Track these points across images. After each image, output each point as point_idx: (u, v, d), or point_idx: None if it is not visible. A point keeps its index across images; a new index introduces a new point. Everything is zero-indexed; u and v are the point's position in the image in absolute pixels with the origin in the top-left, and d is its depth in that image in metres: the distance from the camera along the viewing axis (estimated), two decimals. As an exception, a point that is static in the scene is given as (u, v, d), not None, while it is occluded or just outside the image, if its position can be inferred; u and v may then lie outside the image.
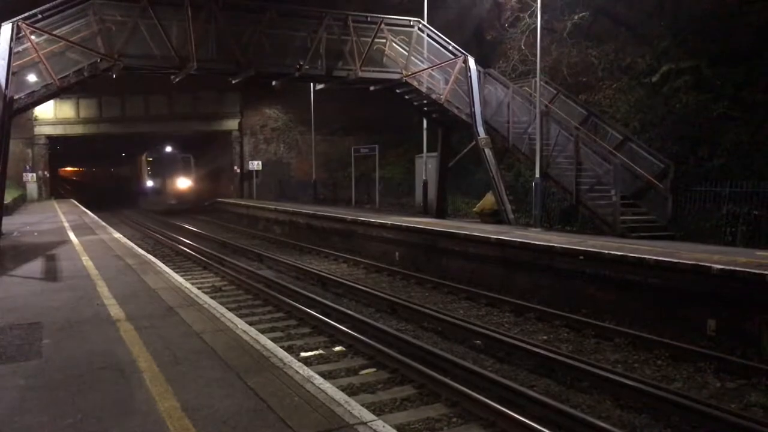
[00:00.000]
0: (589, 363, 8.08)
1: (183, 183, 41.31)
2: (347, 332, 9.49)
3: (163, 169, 40.92)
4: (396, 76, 18.72)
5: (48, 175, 38.97)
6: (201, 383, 4.89)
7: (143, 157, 41.84)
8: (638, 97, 18.02)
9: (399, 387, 7.47)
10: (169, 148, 41.43)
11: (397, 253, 17.29)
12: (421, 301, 12.30)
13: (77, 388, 4.82)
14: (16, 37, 14.60)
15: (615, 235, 13.83)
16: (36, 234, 16.78)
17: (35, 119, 35.57)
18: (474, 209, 19.67)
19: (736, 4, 16.34)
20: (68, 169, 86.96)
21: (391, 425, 4.29)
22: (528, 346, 8.73)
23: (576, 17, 20.60)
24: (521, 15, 22.00)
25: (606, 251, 11.11)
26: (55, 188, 46.99)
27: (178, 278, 9.95)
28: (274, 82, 20.36)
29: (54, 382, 4.97)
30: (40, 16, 14.91)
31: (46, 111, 35.11)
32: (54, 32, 15.03)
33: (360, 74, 18.12)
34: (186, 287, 9.06)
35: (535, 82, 16.97)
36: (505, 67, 22.53)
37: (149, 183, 41.36)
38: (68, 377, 5.09)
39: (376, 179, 27.49)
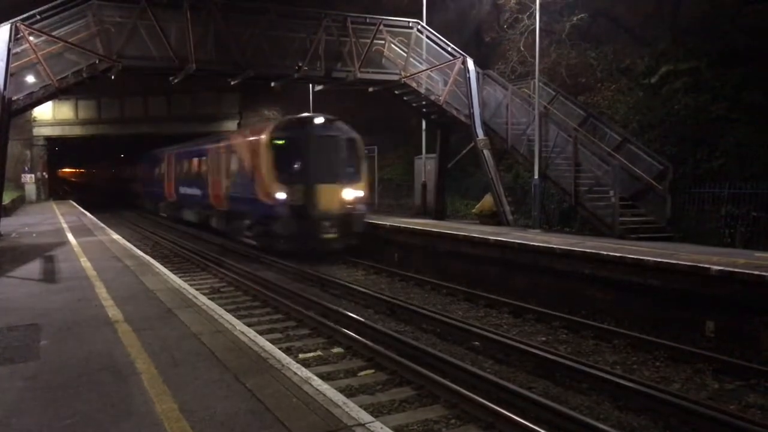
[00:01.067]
0: (588, 364, 8.08)
1: (350, 193, 18.11)
2: (346, 333, 9.48)
3: (312, 163, 17.83)
4: (395, 78, 18.73)
5: (47, 176, 38.97)
6: (199, 385, 4.88)
7: (263, 139, 18.20)
8: (637, 99, 18.02)
9: (398, 388, 7.47)
10: (320, 119, 18.42)
11: (396, 255, 17.27)
12: (420, 302, 12.29)
13: (75, 390, 4.81)
14: (15, 38, 14.60)
15: (614, 237, 13.83)
16: (34, 235, 16.76)
17: (34, 120, 35.56)
18: (473, 210, 19.67)
19: (735, 6, 16.34)
20: (67, 170, 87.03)
21: (389, 427, 4.29)
22: (526, 347, 8.73)
23: (575, 19, 20.60)
24: (520, 16, 22.00)
25: (605, 252, 11.12)
26: (54, 189, 46.90)
27: (176, 279, 9.94)
28: (273, 84, 20.36)
29: (52, 384, 4.96)
30: (38, 17, 14.91)
31: (44, 112, 35.12)
32: (52, 33, 15.03)
33: (359, 75, 18.13)
34: (184, 288, 9.06)
35: (534, 83, 16.98)
36: (504, 68, 22.52)
37: (279, 194, 17.42)
38: (66, 379, 5.08)
39: (375, 180, 27.49)
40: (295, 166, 17.69)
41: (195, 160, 25.36)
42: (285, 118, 19.71)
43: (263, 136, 18.07)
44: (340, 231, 17.38)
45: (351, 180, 18.04)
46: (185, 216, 27.39)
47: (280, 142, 17.81)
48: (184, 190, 27.11)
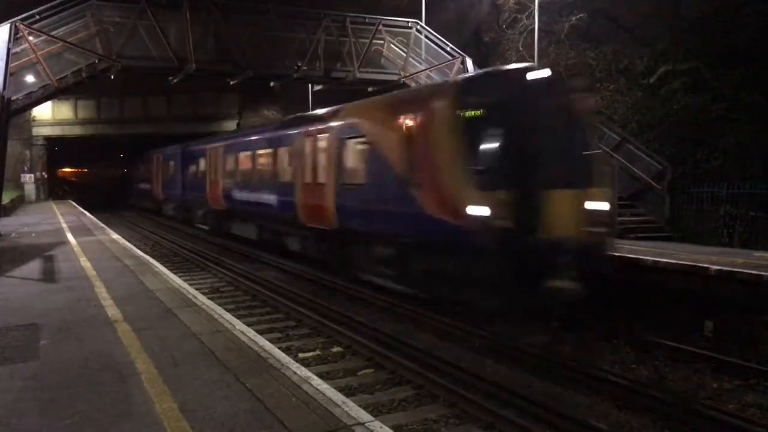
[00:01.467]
0: (586, 364, 8.08)
1: (594, 206, 9.56)
2: (345, 333, 9.49)
3: (537, 153, 9.41)
4: (394, 78, 18.76)
5: (46, 176, 38.96)
6: (199, 384, 4.88)
7: (442, 109, 9.92)
8: (636, 99, 18.04)
9: (397, 387, 7.47)
10: (542, 74, 9.61)
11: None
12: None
13: (74, 390, 4.81)
14: (14, 37, 14.61)
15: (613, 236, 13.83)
16: (34, 235, 16.75)
17: (33, 120, 35.58)
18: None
19: (734, 6, 16.37)
20: (67, 170, 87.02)
21: (388, 426, 4.30)
22: (525, 348, 8.72)
23: (574, 19, 20.63)
24: (519, 16, 22.04)
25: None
26: (54, 189, 46.78)
27: (176, 279, 9.94)
28: (272, 83, 20.40)
29: (51, 384, 4.97)
30: (38, 17, 14.95)
31: (44, 112, 35.12)
32: (52, 33, 15.05)
33: (358, 75, 18.18)
34: (184, 288, 9.06)
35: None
36: (504, 68, 22.53)
37: (476, 208, 8.89)
38: (66, 379, 5.08)
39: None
40: (505, 157, 9.67)
41: (265, 154, 17.43)
42: (480, 72, 11.90)
43: (441, 103, 10.09)
44: (580, 272, 9.22)
45: (592, 181, 9.85)
46: (237, 230, 20.64)
47: (476, 113, 9.63)
48: (240, 195, 19.25)
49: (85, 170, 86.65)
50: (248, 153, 18.78)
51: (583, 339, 9.50)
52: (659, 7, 18.92)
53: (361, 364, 8.37)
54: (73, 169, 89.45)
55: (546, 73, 9.79)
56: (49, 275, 10.26)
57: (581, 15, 20.53)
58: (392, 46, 19.31)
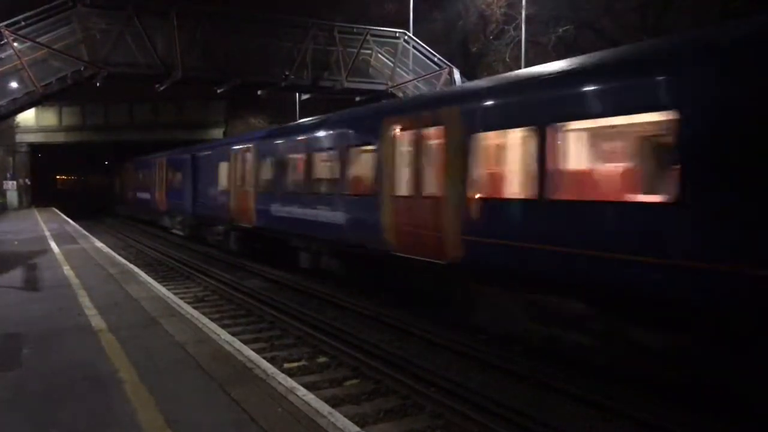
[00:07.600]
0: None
1: None
2: (331, 343, 9.44)
3: None
4: (381, 87, 18.83)
5: (29, 183, 38.59)
6: (183, 394, 4.84)
7: None
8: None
9: (383, 398, 7.44)
10: None
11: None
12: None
13: (57, 400, 4.75)
14: (-1, 43, 14.53)
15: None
16: (16, 243, 16.56)
17: (17, 126, 35.28)
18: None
19: (717, 18, 16.63)
20: (50, 176, 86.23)
21: (375, 437, 4.29)
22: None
23: (561, 30, 20.85)
24: (506, 28, 22.25)
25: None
26: (38, 197, 46.23)
27: (160, 288, 9.87)
28: (259, 92, 20.40)
29: (33, 394, 4.90)
30: (23, 23, 14.84)
31: (28, 118, 34.86)
32: (37, 39, 14.95)
33: (346, 85, 18.23)
34: (168, 297, 8.99)
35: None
36: (490, 79, 22.72)
37: None
38: (48, 388, 5.01)
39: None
40: None
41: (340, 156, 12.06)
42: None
43: None
44: None
45: None
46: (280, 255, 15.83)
47: None
48: (286, 210, 14.43)
49: (71, 177, 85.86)
50: (300, 156, 13.98)
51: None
52: (644, 20, 19.19)
53: (347, 374, 8.33)
54: (57, 176, 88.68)
55: None
56: (31, 283, 10.14)
57: (568, 27, 20.76)
58: (380, 56, 19.41)
